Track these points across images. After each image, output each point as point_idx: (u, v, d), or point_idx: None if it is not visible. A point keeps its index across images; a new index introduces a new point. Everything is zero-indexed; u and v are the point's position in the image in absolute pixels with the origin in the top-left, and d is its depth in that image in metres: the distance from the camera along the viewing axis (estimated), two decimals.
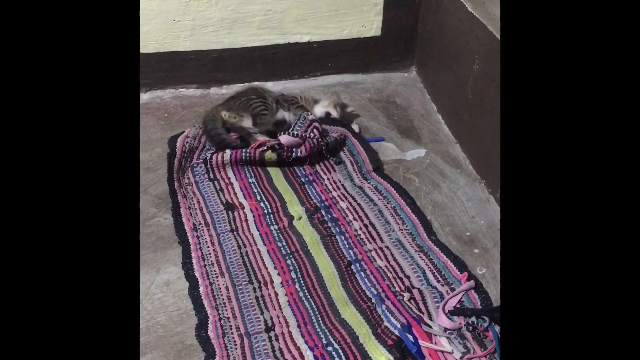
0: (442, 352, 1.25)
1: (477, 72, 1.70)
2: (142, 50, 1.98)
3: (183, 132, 1.83)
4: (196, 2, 1.95)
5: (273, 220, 1.59)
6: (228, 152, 1.71)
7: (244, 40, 2.05)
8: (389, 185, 1.71)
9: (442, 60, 1.99)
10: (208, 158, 1.72)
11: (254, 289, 1.40)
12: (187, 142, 1.78)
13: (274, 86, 2.14)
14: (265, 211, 1.61)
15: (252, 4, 1.99)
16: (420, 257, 1.49)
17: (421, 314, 1.33)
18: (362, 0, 2.06)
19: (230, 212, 1.61)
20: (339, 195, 1.68)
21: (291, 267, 1.45)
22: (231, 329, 1.31)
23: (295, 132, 1.75)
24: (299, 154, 1.72)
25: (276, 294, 1.39)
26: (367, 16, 2.11)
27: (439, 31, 1.99)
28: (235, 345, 1.28)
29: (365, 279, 1.42)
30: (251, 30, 2.04)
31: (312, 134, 1.75)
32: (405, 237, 1.55)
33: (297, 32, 2.08)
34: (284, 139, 1.73)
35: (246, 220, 1.59)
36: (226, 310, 1.35)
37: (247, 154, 1.71)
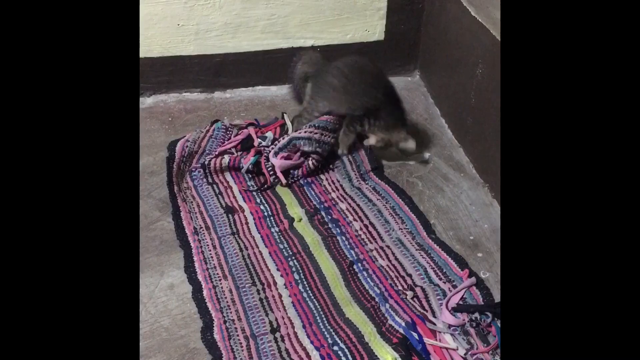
0: (447, 348, 1.26)
1: (480, 76, 1.70)
2: (146, 54, 1.99)
3: (184, 136, 1.83)
4: (200, 7, 1.96)
5: (273, 223, 1.59)
6: (227, 157, 1.71)
7: (248, 44, 2.06)
8: (386, 186, 1.71)
9: (445, 64, 2.00)
10: (206, 163, 1.72)
11: (258, 290, 1.40)
12: (187, 147, 1.78)
13: (277, 90, 2.15)
14: (265, 214, 1.62)
15: (255, 9, 2.00)
16: (421, 255, 1.49)
17: (425, 312, 1.33)
18: (365, 4, 2.07)
19: (230, 215, 1.61)
20: (338, 197, 1.68)
21: (294, 269, 1.46)
22: (236, 331, 1.31)
23: (279, 152, 1.71)
24: (296, 173, 1.72)
25: (280, 296, 1.39)
26: (371, 21, 2.11)
27: (442, 35, 2.00)
28: (242, 347, 1.28)
29: (368, 279, 1.42)
30: (255, 34, 2.05)
31: (310, 159, 1.72)
32: (405, 236, 1.55)
33: (301, 36, 2.09)
34: (278, 163, 1.70)
35: (246, 223, 1.59)
36: (231, 312, 1.35)
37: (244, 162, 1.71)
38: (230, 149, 1.78)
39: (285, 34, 2.07)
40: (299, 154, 1.72)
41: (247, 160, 1.71)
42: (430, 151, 1.88)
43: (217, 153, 1.75)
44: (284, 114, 1.96)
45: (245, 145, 1.79)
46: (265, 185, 1.70)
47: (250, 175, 1.73)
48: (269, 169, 1.70)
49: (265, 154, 1.72)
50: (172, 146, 1.81)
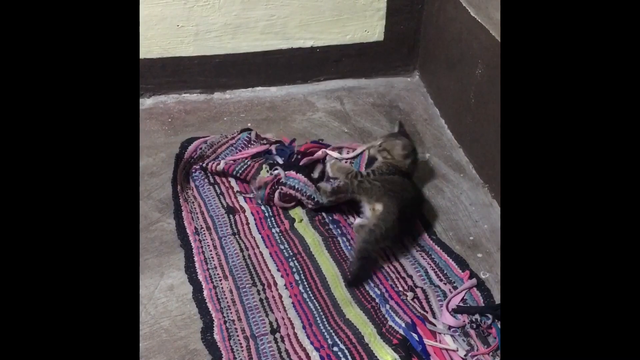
0: (447, 350, 1.26)
1: (479, 76, 1.71)
2: (146, 55, 1.99)
3: (202, 137, 1.83)
4: (200, 8, 1.96)
5: (274, 223, 1.59)
6: (222, 163, 1.69)
7: (247, 45, 2.06)
8: None
9: (445, 64, 2.00)
10: (204, 166, 1.72)
11: (258, 291, 1.40)
12: (201, 148, 1.78)
13: (277, 91, 2.15)
14: (266, 214, 1.61)
15: (255, 10, 2.00)
16: (422, 256, 1.50)
17: (425, 313, 1.33)
18: (364, 5, 2.07)
19: (231, 215, 1.61)
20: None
21: (294, 269, 1.46)
22: (237, 332, 1.31)
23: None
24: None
25: (280, 296, 1.39)
26: (370, 21, 2.11)
27: (441, 36, 2.00)
28: (241, 347, 1.28)
29: (369, 279, 1.42)
30: (254, 35, 2.05)
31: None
32: (406, 236, 1.55)
33: (300, 37, 2.09)
34: (277, 203, 1.61)
35: (247, 223, 1.59)
36: (231, 313, 1.35)
37: (240, 172, 1.68)
38: (239, 160, 1.73)
39: (285, 35, 2.07)
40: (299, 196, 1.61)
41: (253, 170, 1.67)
42: (430, 152, 1.88)
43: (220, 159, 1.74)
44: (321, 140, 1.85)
45: (257, 158, 1.74)
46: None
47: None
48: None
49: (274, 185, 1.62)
50: (185, 144, 1.81)
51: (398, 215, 1.46)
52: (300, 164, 1.66)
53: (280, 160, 1.70)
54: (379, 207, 1.49)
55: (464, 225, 1.61)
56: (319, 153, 1.72)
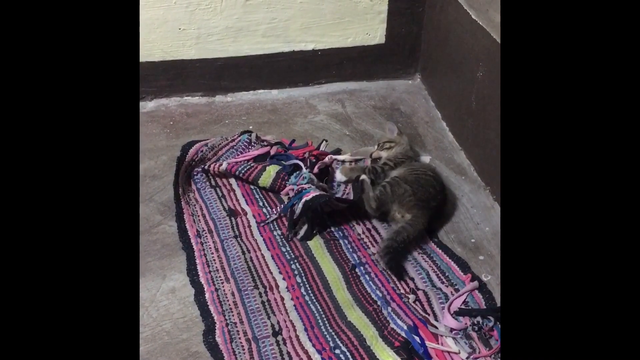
0: (449, 352, 1.26)
1: (480, 79, 1.71)
2: (148, 58, 1.99)
3: (203, 140, 1.83)
4: (201, 11, 1.96)
5: (276, 226, 1.59)
6: (225, 164, 1.70)
7: (249, 48, 2.07)
8: None
9: (446, 67, 2.00)
10: (206, 167, 1.72)
11: (260, 294, 1.40)
12: (202, 151, 1.78)
13: (278, 94, 2.15)
14: (268, 217, 1.62)
15: (256, 13, 2.00)
16: (424, 259, 1.50)
17: (427, 315, 1.33)
18: (366, 8, 2.07)
19: (232, 218, 1.61)
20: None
21: (296, 272, 1.46)
22: (238, 334, 1.31)
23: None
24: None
25: (282, 299, 1.39)
26: (371, 24, 2.12)
27: (442, 39, 2.00)
28: (243, 350, 1.28)
29: (370, 282, 1.43)
30: (256, 38, 2.05)
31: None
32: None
33: (302, 40, 2.09)
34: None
35: (249, 226, 1.59)
36: (233, 315, 1.35)
37: (242, 172, 1.68)
38: (242, 161, 1.75)
39: (286, 38, 2.08)
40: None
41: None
42: (431, 154, 1.88)
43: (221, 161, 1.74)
44: (325, 141, 1.90)
45: (259, 160, 1.77)
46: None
47: (266, 203, 1.68)
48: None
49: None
50: (186, 147, 1.81)
51: (426, 226, 1.54)
52: (315, 168, 1.70)
53: (304, 168, 1.69)
54: (408, 216, 1.55)
55: (466, 228, 1.61)
56: (326, 159, 1.75)
